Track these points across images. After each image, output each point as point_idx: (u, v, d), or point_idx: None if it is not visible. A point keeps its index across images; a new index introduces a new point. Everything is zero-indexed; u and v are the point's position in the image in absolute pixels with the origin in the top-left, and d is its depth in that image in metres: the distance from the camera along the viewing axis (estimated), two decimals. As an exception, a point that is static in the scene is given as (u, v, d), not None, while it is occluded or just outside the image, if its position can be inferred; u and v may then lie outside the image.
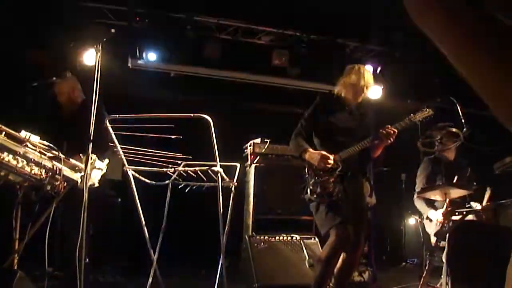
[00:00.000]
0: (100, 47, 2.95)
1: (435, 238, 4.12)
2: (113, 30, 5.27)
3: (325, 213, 3.55)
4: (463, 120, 4.05)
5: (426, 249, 5.09)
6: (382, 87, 6.55)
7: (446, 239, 3.81)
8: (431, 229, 4.64)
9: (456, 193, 4.07)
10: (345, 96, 3.79)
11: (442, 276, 4.35)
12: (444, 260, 3.90)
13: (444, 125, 4.20)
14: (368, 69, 3.81)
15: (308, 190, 3.64)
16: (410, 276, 5.59)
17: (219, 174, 3.13)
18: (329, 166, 3.55)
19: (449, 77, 6.20)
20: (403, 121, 3.66)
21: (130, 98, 5.47)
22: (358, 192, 3.72)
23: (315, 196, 3.61)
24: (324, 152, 3.57)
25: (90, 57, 5.36)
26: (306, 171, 3.71)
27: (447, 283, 3.80)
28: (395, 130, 3.58)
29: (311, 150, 3.64)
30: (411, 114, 3.68)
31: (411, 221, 6.86)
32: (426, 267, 3.68)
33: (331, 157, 3.56)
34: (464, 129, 4.08)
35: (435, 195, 4.17)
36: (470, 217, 3.84)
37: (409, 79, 6.54)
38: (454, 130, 4.05)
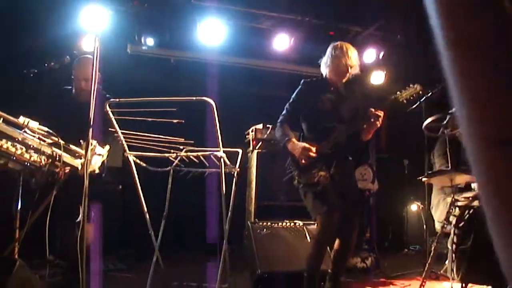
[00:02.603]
0: (99, 33, 2.88)
1: (440, 224, 4.07)
2: (111, 13, 5.17)
3: (312, 200, 3.52)
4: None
5: (429, 236, 5.08)
6: (385, 72, 6.49)
7: (452, 225, 3.77)
8: (437, 214, 4.60)
9: (463, 179, 4.02)
10: (329, 77, 3.69)
11: (446, 262, 4.33)
12: (449, 246, 3.87)
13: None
14: (349, 45, 3.66)
15: (295, 179, 3.61)
16: (412, 263, 5.60)
17: (222, 160, 3.07)
18: (310, 157, 3.49)
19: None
20: (388, 101, 3.63)
21: (130, 85, 5.39)
22: (346, 177, 3.68)
23: (301, 185, 3.58)
24: (305, 145, 3.51)
25: (88, 43, 5.29)
26: (290, 161, 3.67)
27: (452, 269, 3.77)
28: (382, 112, 3.49)
29: (294, 140, 3.58)
30: (398, 92, 3.62)
31: (413, 207, 6.85)
32: (431, 253, 3.63)
33: (313, 149, 3.49)
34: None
35: (442, 181, 4.11)
36: (476, 203, 3.78)
37: (412, 63, 6.46)
38: (459, 114, 3.98)
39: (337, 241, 3.66)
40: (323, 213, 3.46)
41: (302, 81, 3.77)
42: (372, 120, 3.49)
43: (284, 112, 3.72)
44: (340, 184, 3.54)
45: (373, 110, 3.49)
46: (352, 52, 3.61)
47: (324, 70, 3.70)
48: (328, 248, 3.77)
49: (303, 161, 3.51)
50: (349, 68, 3.61)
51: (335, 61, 3.60)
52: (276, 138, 3.74)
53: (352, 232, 3.62)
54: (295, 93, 3.74)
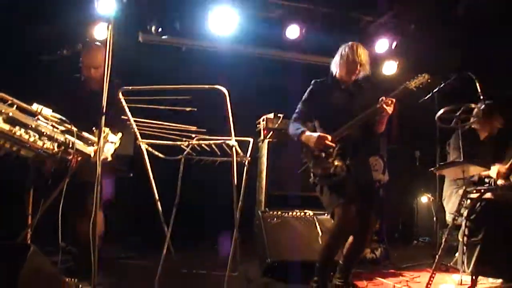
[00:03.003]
0: (112, 20, 2.87)
1: (452, 216, 4.05)
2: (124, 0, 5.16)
3: (329, 194, 3.52)
4: (481, 96, 3.95)
5: (439, 227, 5.06)
6: (397, 62, 6.43)
7: (463, 217, 3.75)
8: (449, 206, 4.58)
9: (475, 170, 4.00)
10: (339, 76, 3.72)
11: (456, 255, 4.32)
12: (460, 238, 3.86)
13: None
14: (360, 45, 3.70)
15: (311, 174, 3.61)
16: (422, 254, 5.58)
17: (234, 148, 3.07)
18: (327, 146, 3.48)
19: (467, 52, 6.10)
20: (398, 89, 3.59)
21: (140, 73, 5.40)
22: (362, 169, 3.67)
23: (317, 179, 3.57)
24: (320, 134, 3.52)
25: (100, 30, 5.29)
26: (304, 152, 3.66)
27: (463, 262, 3.76)
28: (392, 100, 3.49)
29: (307, 132, 3.59)
30: (407, 82, 3.60)
31: (424, 199, 6.82)
32: (442, 245, 3.62)
33: (329, 137, 3.49)
34: (483, 106, 3.99)
35: (453, 172, 4.09)
36: (488, 195, 3.76)
37: (424, 53, 6.41)
38: (472, 105, 3.95)
39: (352, 235, 3.64)
40: (341, 206, 3.44)
41: (313, 81, 3.81)
42: (382, 108, 3.48)
43: (296, 111, 3.76)
44: (356, 176, 3.53)
45: (383, 98, 3.49)
46: (363, 52, 3.65)
47: (335, 69, 3.74)
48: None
49: (318, 151, 3.52)
50: (359, 66, 3.64)
51: (345, 59, 3.64)
52: (290, 134, 3.72)
53: (367, 228, 3.60)
54: (306, 93, 3.78)
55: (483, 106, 3.99)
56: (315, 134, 3.53)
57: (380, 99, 3.50)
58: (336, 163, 3.48)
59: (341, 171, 3.47)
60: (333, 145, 3.49)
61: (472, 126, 4.61)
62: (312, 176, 3.62)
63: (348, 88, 3.73)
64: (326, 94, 3.70)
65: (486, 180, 4.35)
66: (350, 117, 3.60)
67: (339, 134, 3.53)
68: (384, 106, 3.47)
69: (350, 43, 3.69)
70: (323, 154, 3.53)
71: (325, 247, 3.59)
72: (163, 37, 5.87)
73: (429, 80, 3.59)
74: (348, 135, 3.55)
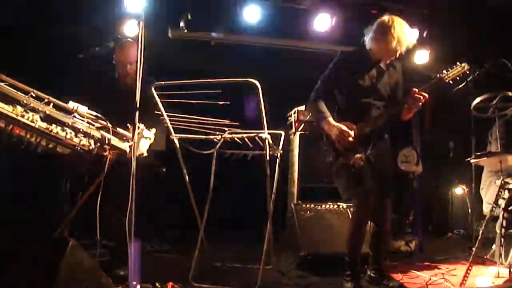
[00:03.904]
0: (143, 17, 2.90)
1: (489, 206, 3.96)
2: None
3: (346, 182, 3.44)
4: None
5: (475, 219, 4.97)
6: (429, 51, 6.31)
7: (501, 208, 3.67)
8: (488, 196, 4.48)
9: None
10: (374, 52, 3.48)
11: (493, 247, 4.23)
12: (497, 230, 3.78)
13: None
14: (404, 23, 3.40)
15: (329, 160, 3.49)
16: (456, 247, 5.50)
17: (266, 141, 3.07)
18: (349, 142, 3.34)
19: (502, 40, 5.95)
20: (432, 81, 3.37)
21: (170, 68, 5.43)
22: (383, 158, 3.54)
23: (336, 167, 3.48)
24: (343, 127, 3.34)
25: (131, 27, 5.34)
26: (325, 142, 3.50)
27: (500, 254, 3.69)
28: (425, 95, 3.30)
29: (330, 120, 3.38)
30: (444, 71, 3.35)
31: (458, 190, 6.69)
32: (479, 237, 3.54)
33: (351, 133, 3.33)
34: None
35: (491, 163, 4.00)
36: (526, 185, 3.67)
37: (458, 42, 6.27)
38: (510, 94, 3.85)
39: (372, 224, 3.61)
40: (358, 195, 3.41)
41: (340, 52, 3.61)
42: (414, 101, 3.34)
43: (319, 86, 3.53)
44: (376, 165, 3.43)
45: (416, 90, 3.33)
46: (408, 33, 3.39)
47: (370, 44, 3.48)
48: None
49: (340, 145, 3.40)
50: (399, 47, 3.40)
51: (387, 39, 3.36)
52: (311, 114, 3.55)
53: (385, 214, 3.57)
54: (331, 65, 3.53)
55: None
56: (338, 128, 3.34)
57: (412, 91, 3.33)
58: (357, 155, 3.35)
59: (360, 162, 3.35)
60: (355, 141, 3.35)
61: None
62: (330, 162, 3.49)
63: (380, 67, 3.53)
64: (354, 69, 3.47)
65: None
66: (377, 97, 3.47)
67: (365, 127, 3.40)
68: (415, 99, 3.32)
69: (396, 23, 3.36)
70: (345, 147, 3.39)
71: (349, 239, 3.55)
72: (192, 32, 5.90)
73: (467, 71, 3.35)
74: (374, 123, 3.43)
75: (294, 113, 5.03)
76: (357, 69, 3.49)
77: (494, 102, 3.96)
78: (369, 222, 3.60)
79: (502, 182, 3.63)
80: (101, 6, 5.36)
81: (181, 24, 5.77)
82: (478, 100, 3.93)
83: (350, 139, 3.34)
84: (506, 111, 4.03)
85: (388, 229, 3.68)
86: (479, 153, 3.91)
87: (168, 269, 4.20)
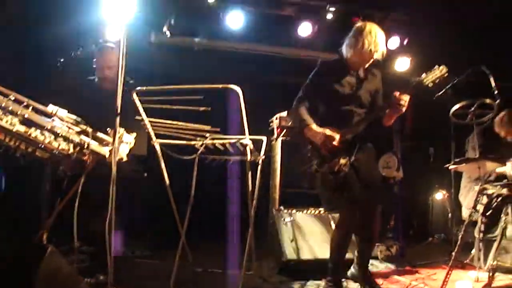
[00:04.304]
0: (125, 22, 2.90)
1: (468, 212, 4.02)
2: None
3: (332, 190, 3.44)
4: (495, 92, 3.91)
5: (455, 224, 5.03)
6: (410, 58, 6.39)
7: (480, 213, 3.71)
8: (466, 201, 4.54)
9: (491, 166, 3.96)
10: (351, 59, 3.52)
11: (472, 251, 4.28)
12: (476, 235, 3.83)
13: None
14: (377, 27, 3.46)
15: (313, 168, 3.48)
16: (437, 251, 5.55)
17: (248, 147, 3.07)
18: (335, 147, 3.36)
19: (481, 48, 6.04)
20: (412, 84, 3.40)
21: (153, 73, 5.41)
22: (368, 165, 3.56)
23: (320, 174, 3.47)
24: (327, 132, 3.36)
25: (113, 31, 5.31)
26: (310, 149, 3.51)
27: (479, 258, 3.73)
28: (405, 99, 3.33)
29: (313, 126, 3.41)
30: (423, 75, 3.40)
31: (438, 196, 6.76)
32: (458, 242, 3.58)
33: (336, 136, 3.36)
34: (498, 101, 3.94)
35: (469, 169, 4.06)
36: (504, 191, 3.72)
37: (437, 49, 6.35)
38: (488, 101, 3.91)
39: (358, 232, 3.63)
40: (345, 203, 3.42)
41: (320, 62, 3.63)
42: (396, 105, 3.37)
43: (300, 94, 3.57)
44: (361, 171, 3.45)
45: (397, 94, 3.36)
46: (380, 37, 3.43)
47: (347, 51, 3.54)
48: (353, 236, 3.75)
49: (325, 150, 3.41)
50: (375, 54, 3.45)
51: (361, 47, 3.41)
52: (293, 120, 3.58)
53: (373, 221, 3.57)
54: (312, 74, 3.58)
55: (497, 101, 3.93)
56: (322, 133, 3.37)
57: (394, 95, 3.36)
58: (341, 161, 3.36)
59: (346, 168, 3.37)
60: (340, 145, 3.38)
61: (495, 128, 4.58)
62: (314, 169, 3.49)
63: (358, 72, 3.57)
64: (333, 77, 3.51)
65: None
66: (358, 104, 3.51)
67: (347, 133, 3.42)
68: (398, 103, 3.34)
69: (366, 25, 3.44)
70: (330, 153, 3.41)
71: (334, 246, 3.56)
72: (175, 37, 5.89)
73: (446, 74, 3.40)
74: (355, 129, 3.46)
75: (276, 119, 5.04)
76: (337, 78, 3.52)
77: (472, 109, 4.02)
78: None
79: (481, 187, 3.68)
80: (84, 10, 5.33)
81: (164, 29, 5.76)
82: (456, 107, 3.99)
83: (335, 143, 3.36)
84: (484, 118, 4.09)
85: (376, 236, 3.70)
86: (458, 160, 3.96)
87: (149, 274, 4.17)
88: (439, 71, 3.39)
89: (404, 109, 3.37)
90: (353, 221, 3.44)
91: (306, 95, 3.55)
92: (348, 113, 3.50)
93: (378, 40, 3.41)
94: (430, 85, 3.41)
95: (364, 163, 3.50)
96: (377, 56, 3.49)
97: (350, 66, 3.57)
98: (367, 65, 3.56)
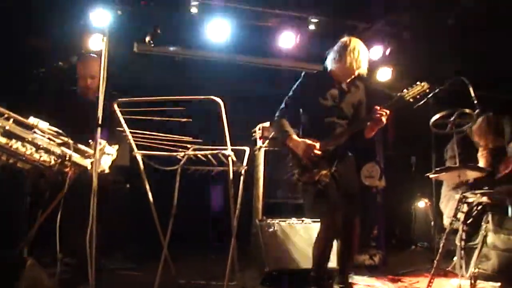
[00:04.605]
0: (107, 32, 2.90)
1: (449, 220, 4.06)
2: (119, 12, 5.15)
3: (313, 200, 3.50)
4: (475, 101, 3.97)
5: (437, 232, 5.07)
6: (392, 69, 6.46)
7: (460, 221, 3.75)
8: (447, 210, 4.59)
9: (470, 175, 4.01)
10: (334, 73, 3.61)
11: (454, 259, 4.32)
12: (457, 243, 3.86)
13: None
14: (361, 43, 3.56)
15: (295, 177, 3.55)
16: (420, 259, 5.59)
17: (230, 158, 3.08)
18: (315, 155, 3.41)
19: (461, 58, 6.13)
20: (394, 99, 3.50)
21: (136, 84, 5.41)
22: (348, 175, 3.63)
23: (301, 183, 3.54)
24: (307, 141, 3.43)
25: (95, 42, 5.29)
26: (291, 160, 3.58)
27: (461, 266, 3.77)
28: (387, 112, 3.42)
29: (294, 137, 3.48)
30: (404, 90, 3.49)
31: (421, 204, 6.83)
32: (440, 250, 3.63)
33: (317, 145, 3.41)
34: (477, 111, 4.00)
35: (450, 177, 4.11)
36: (484, 199, 3.77)
37: (419, 60, 6.44)
38: (467, 111, 3.97)
39: (339, 240, 3.66)
40: (325, 212, 3.45)
41: (304, 73, 3.69)
42: (376, 118, 3.44)
43: (283, 106, 3.64)
44: (341, 181, 3.51)
45: (378, 108, 3.44)
46: (363, 53, 3.52)
47: (330, 65, 3.62)
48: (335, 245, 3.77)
49: (306, 160, 3.45)
50: (357, 69, 3.54)
51: (344, 62, 3.51)
52: (274, 134, 3.66)
53: (352, 230, 3.61)
54: (295, 86, 3.65)
55: (476, 111, 3.99)
56: (303, 143, 3.43)
57: (374, 108, 3.44)
58: (322, 171, 3.43)
59: (326, 178, 3.42)
60: (320, 154, 3.43)
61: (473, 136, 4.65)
62: (296, 178, 3.56)
63: (341, 86, 3.64)
64: (318, 89, 3.59)
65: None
66: (340, 116, 3.58)
67: (328, 144, 3.48)
68: (378, 116, 3.42)
69: (350, 40, 3.53)
70: (311, 163, 3.46)
71: (315, 255, 3.59)
72: (159, 47, 5.88)
73: (427, 90, 3.50)
74: (336, 140, 3.52)
75: (259, 129, 5.06)
76: (320, 90, 3.59)
77: (452, 118, 4.08)
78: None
79: (461, 196, 3.73)
80: (65, 20, 5.31)
81: (147, 39, 5.76)
82: (436, 117, 4.05)
83: (317, 152, 3.40)
84: (463, 128, 4.16)
85: (355, 245, 3.73)
86: (438, 168, 4.01)
87: (132, 286, 4.14)
88: (421, 86, 3.49)
89: (384, 122, 3.45)
90: (333, 230, 3.48)
91: (288, 106, 3.62)
92: (331, 125, 3.57)
93: (361, 57, 3.51)
94: (411, 100, 3.51)
95: (344, 174, 3.57)
96: (360, 72, 3.59)
97: (334, 79, 3.64)
98: (348, 80, 3.63)
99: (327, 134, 3.52)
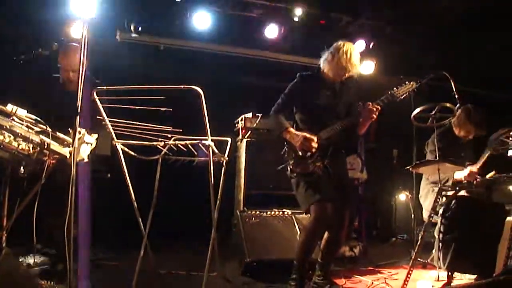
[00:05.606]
0: (88, 20, 2.85)
1: (428, 213, 4.11)
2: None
3: (305, 190, 3.58)
4: (456, 96, 4.01)
5: (417, 225, 5.13)
6: (375, 62, 6.49)
7: (439, 214, 3.80)
8: (426, 203, 4.64)
9: (449, 169, 4.05)
10: (327, 73, 3.74)
11: (433, 251, 4.38)
12: (436, 235, 3.91)
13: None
14: (355, 48, 3.73)
15: (289, 169, 3.66)
16: (400, 251, 5.67)
17: (210, 148, 3.07)
18: (312, 148, 3.54)
19: (443, 53, 6.19)
20: (384, 96, 3.67)
21: (118, 72, 5.34)
22: (340, 169, 3.78)
23: (294, 174, 3.64)
24: (307, 135, 3.56)
25: (77, 29, 5.21)
26: (286, 150, 3.69)
27: (439, 258, 3.82)
28: (377, 107, 3.60)
29: (292, 130, 3.62)
30: (394, 88, 3.68)
31: (402, 197, 6.90)
32: (418, 242, 3.67)
33: (314, 139, 3.55)
34: (458, 105, 4.04)
35: (429, 170, 4.14)
36: (462, 192, 3.82)
37: (401, 54, 6.49)
38: (448, 105, 4.01)
39: (327, 232, 3.69)
40: (316, 203, 3.50)
41: (298, 74, 3.80)
42: (367, 115, 3.59)
43: (279, 101, 3.76)
44: (334, 175, 3.62)
45: (370, 104, 3.59)
46: (355, 57, 3.66)
47: (324, 66, 3.74)
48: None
49: (303, 152, 3.57)
50: (349, 72, 3.67)
51: (337, 63, 3.64)
52: (270, 127, 3.76)
53: (342, 226, 3.67)
54: (290, 85, 3.78)
55: (457, 106, 4.02)
56: (301, 135, 3.56)
57: (366, 104, 3.59)
58: (316, 163, 3.56)
59: (320, 170, 3.56)
60: (317, 147, 3.55)
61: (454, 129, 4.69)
62: (289, 171, 3.66)
63: (334, 86, 3.76)
64: (311, 89, 3.72)
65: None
66: (334, 115, 3.69)
67: (325, 135, 3.60)
68: (369, 111, 3.57)
69: (346, 47, 3.66)
70: (306, 155, 3.58)
71: (301, 244, 3.63)
72: (141, 35, 5.83)
73: (415, 90, 3.71)
74: (329, 137, 3.62)
75: (241, 120, 5.06)
76: (314, 89, 3.72)
77: (433, 112, 4.12)
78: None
79: (440, 189, 3.77)
80: (46, 7, 5.22)
81: (131, 27, 5.71)
82: (417, 110, 4.09)
83: (314, 144, 3.53)
84: (444, 121, 4.20)
85: (343, 239, 3.79)
86: (418, 162, 4.05)
87: (112, 276, 4.13)
88: (410, 85, 3.72)
89: (375, 117, 3.61)
90: (323, 221, 3.53)
91: (284, 103, 3.76)
92: (325, 124, 3.66)
93: (353, 60, 3.64)
94: (401, 98, 3.70)
95: (337, 167, 3.70)
96: (352, 74, 3.72)
97: (327, 79, 3.76)
98: (343, 79, 3.75)
99: (320, 131, 3.63)
